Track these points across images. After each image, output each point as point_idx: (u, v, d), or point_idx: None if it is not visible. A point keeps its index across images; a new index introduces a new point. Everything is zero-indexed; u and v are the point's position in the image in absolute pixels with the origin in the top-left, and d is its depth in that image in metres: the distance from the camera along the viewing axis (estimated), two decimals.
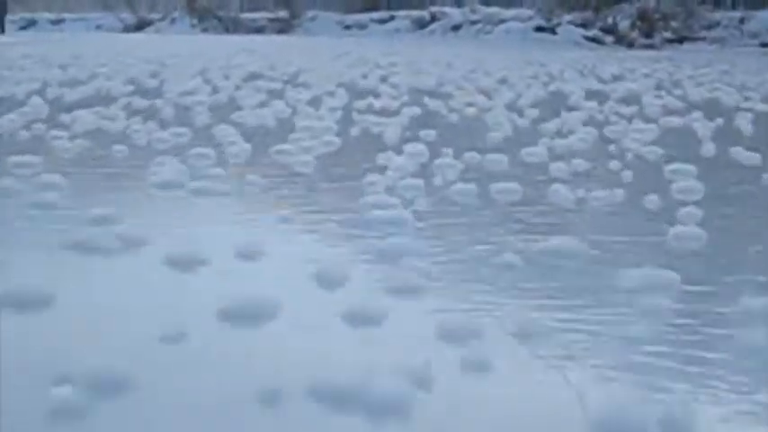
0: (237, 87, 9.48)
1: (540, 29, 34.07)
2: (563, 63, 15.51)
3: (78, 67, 12.08)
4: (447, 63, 14.74)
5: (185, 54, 15.46)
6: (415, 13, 40.13)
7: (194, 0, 41.94)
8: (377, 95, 9.07)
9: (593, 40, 31.83)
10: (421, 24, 39.40)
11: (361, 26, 41.94)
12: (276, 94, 9.00)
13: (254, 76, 11.09)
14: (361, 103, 8.36)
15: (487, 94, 9.45)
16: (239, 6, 45.19)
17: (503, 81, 11.55)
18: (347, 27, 42.00)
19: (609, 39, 31.83)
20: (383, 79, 11.42)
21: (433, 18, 39.02)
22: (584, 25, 33.19)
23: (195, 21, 42.26)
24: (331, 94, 8.97)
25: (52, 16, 48.77)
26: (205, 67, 11.61)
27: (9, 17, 50.07)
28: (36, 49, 17.45)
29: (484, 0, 38.54)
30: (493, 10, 36.95)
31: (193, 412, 2.00)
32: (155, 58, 13.48)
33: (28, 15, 49.26)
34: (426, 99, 8.61)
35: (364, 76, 11.49)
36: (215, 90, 9.36)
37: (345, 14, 42.26)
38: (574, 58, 18.26)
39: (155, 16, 45.77)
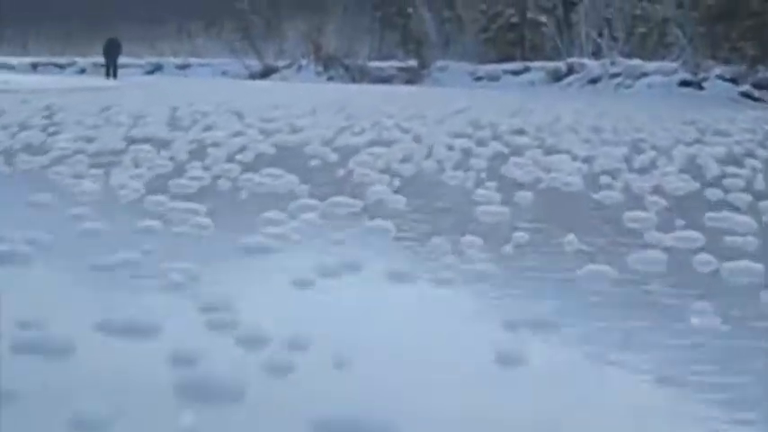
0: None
1: (685, 83, 33.02)
2: (729, 123, 14.04)
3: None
4: (593, 128, 11.46)
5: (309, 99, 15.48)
6: (551, 64, 39.60)
7: (320, 48, 42.76)
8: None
9: (747, 95, 30.45)
10: (557, 76, 38.82)
11: (494, 77, 41.63)
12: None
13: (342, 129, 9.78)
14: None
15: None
16: (367, 55, 45.81)
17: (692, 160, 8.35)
18: (478, 78, 41.81)
19: (764, 95, 30.41)
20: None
21: (570, 70, 38.42)
22: (734, 80, 31.89)
23: (321, 68, 43.05)
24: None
25: (178, 61, 50.63)
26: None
27: (135, 60, 52.45)
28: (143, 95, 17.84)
29: (624, 51, 37.80)
30: (634, 62, 36.02)
31: None
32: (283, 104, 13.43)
33: (154, 60, 51.38)
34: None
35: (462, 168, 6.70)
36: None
37: (478, 65, 42.24)
38: (737, 117, 16.24)
39: (281, 63, 46.90)
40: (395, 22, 41.52)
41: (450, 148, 7.89)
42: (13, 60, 52.46)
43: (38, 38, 64.57)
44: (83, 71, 50.21)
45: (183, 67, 49.23)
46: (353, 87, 30.77)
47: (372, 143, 8.20)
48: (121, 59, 53.72)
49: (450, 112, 12.53)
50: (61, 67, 51.07)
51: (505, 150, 8.16)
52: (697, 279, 3.58)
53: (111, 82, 29.02)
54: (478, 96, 20.83)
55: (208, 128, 9.27)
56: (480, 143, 8.49)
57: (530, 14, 42.62)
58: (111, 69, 33.97)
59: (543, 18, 42.12)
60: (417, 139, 8.73)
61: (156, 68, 49.80)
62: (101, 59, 53.38)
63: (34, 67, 50.55)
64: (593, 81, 36.81)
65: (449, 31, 46.71)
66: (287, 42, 49.63)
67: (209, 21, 56.82)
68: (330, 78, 42.41)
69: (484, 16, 43.84)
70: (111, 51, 34.13)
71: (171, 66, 49.79)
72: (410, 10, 40.56)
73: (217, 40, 55.31)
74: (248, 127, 9.70)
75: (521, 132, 10.04)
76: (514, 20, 42.75)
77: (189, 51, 55.93)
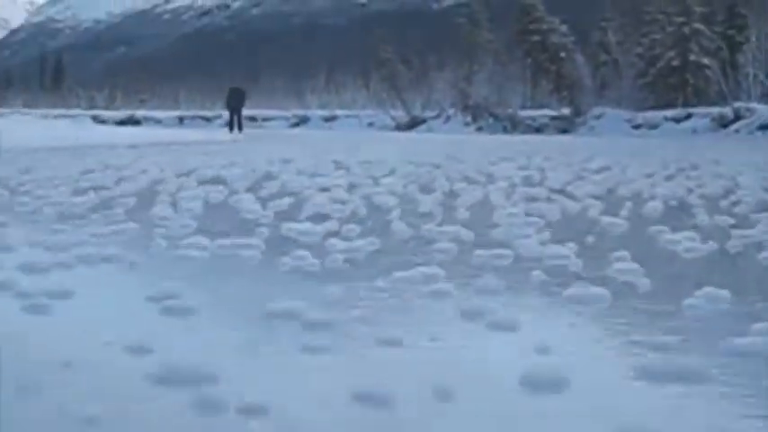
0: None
1: None
2: None
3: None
4: None
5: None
6: (716, 110, 38.24)
7: (468, 97, 42.71)
8: None
9: None
10: (722, 122, 37.31)
11: (653, 125, 40.40)
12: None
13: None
14: None
15: None
16: (519, 104, 45.39)
17: None
18: (637, 126, 40.66)
19: None
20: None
21: (737, 115, 36.94)
22: None
23: (469, 119, 42.95)
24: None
25: (325, 113, 51.63)
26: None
27: (282, 113, 53.87)
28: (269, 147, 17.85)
29: None
30: None
31: None
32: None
33: (301, 112, 52.59)
34: None
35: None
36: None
37: (636, 112, 41.15)
38: None
39: (428, 114, 47.07)
40: (547, 68, 41.03)
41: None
42: (161, 114, 54.74)
43: (189, 92, 67.51)
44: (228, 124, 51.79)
45: (329, 119, 50.08)
46: (503, 138, 30.44)
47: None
48: (268, 112, 55.66)
49: (589, 169, 11.07)
50: (208, 119, 52.80)
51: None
52: None
53: (232, 135, 27.03)
54: (634, 147, 19.76)
55: (282, 187, 8.22)
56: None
57: (692, 57, 41.33)
58: (234, 122, 30.87)
59: (706, 60, 40.77)
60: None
61: (302, 121, 50.85)
62: (248, 112, 55.40)
63: (181, 120, 52.47)
64: (763, 127, 35.26)
65: (604, 76, 45.83)
66: (435, 92, 49.96)
67: (357, 72, 57.98)
68: (479, 129, 42.21)
69: (642, 60, 42.81)
70: (234, 102, 31.09)
71: (317, 118, 50.78)
72: (563, 55, 40.00)
73: (364, 92, 56.31)
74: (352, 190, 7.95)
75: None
76: (675, 63, 41.52)
77: (336, 103, 57.13)
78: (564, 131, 40.43)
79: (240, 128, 29.73)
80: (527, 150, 15.48)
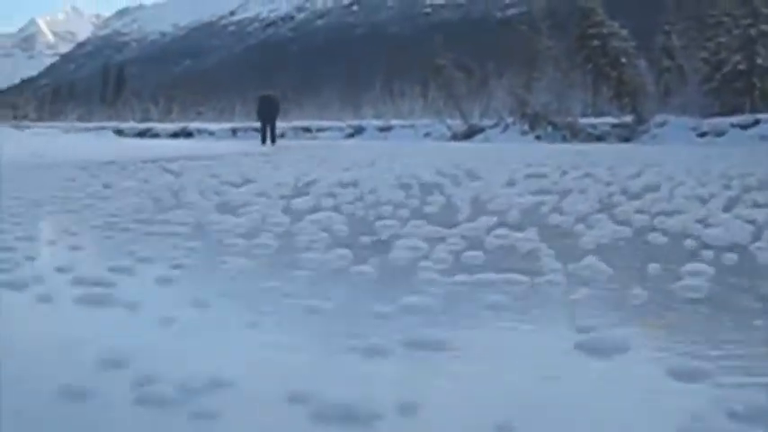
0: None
1: None
2: None
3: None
4: None
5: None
6: None
7: (526, 104, 41.65)
8: None
9: None
10: None
11: (719, 132, 39.04)
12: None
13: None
14: None
15: None
16: (580, 111, 44.23)
17: None
18: (702, 134, 39.33)
19: None
20: None
21: None
22: None
23: (527, 127, 41.90)
24: None
25: (380, 123, 51.00)
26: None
27: (337, 124, 53.39)
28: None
29: None
30: None
31: None
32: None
33: (356, 123, 52.04)
34: None
35: None
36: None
37: (701, 119, 39.79)
38: None
39: (487, 123, 46.13)
40: (607, 74, 39.81)
41: None
42: (214, 126, 54.72)
43: (246, 104, 67.51)
44: (282, 135, 51.47)
45: (384, 129, 49.43)
46: (558, 148, 29.40)
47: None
48: (322, 122, 55.28)
49: (628, 191, 8.63)
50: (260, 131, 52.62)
51: None
52: None
53: (264, 148, 24.42)
54: (696, 158, 18.47)
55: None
56: None
57: (759, 60, 39.85)
58: (267, 132, 28.00)
59: None
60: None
61: (357, 131, 50.29)
62: (301, 122, 55.23)
63: (234, 132, 52.31)
64: None
65: (668, 82, 44.49)
66: (493, 101, 49.00)
67: (415, 81, 57.29)
68: (537, 137, 41.18)
69: (707, 64, 41.37)
70: (266, 111, 27.87)
71: (372, 128, 50.17)
72: (624, 60, 38.77)
73: (421, 101, 55.60)
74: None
75: None
76: (742, 67, 40.01)
77: (392, 113, 56.50)
78: (626, 140, 39.19)
79: (273, 139, 27.30)
80: (572, 162, 14.53)
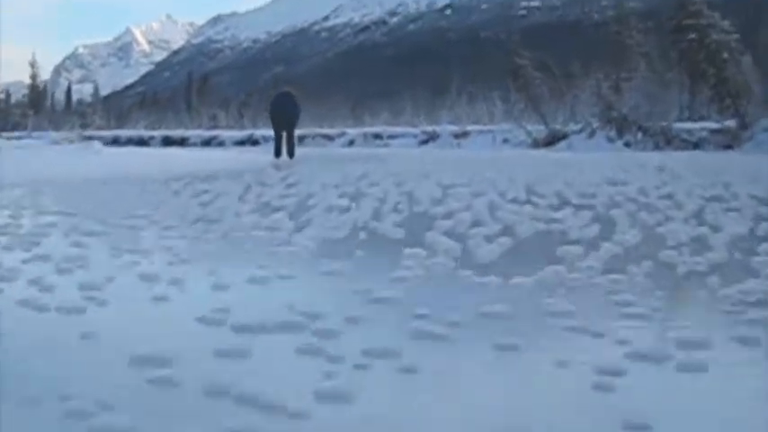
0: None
1: None
2: None
3: None
4: None
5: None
6: None
7: (613, 108, 37.32)
8: None
9: None
10: None
11: None
12: None
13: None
14: None
15: None
16: (675, 115, 39.88)
17: None
18: None
19: None
20: None
21: None
22: None
23: (613, 133, 37.65)
24: None
25: (456, 129, 47.33)
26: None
27: (410, 130, 49.89)
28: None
29: None
30: None
31: None
32: None
33: (429, 129, 48.45)
34: None
35: None
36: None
37: None
38: None
39: (572, 128, 42.07)
40: (706, 72, 35.28)
41: None
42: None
43: (332, 109, 64.84)
44: (351, 142, 48.38)
45: (460, 135, 45.75)
46: (643, 157, 25.23)
47: None
48: (395, 129, 51.83)
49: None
50: (330, 138, 49.68)
51: None
52: None
53: (278, 160, 19.12)
54: None
55: None
56: None
57: None
58: (282, 141, 20.93)
59: None
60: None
61: (432, 138, 46.74)
62: (371, 129, 51.95)
63: (301, 139, 49.39)
64: None
65: None
66: (578, 104, 44.86)
67: (494, 84, 53.46)
68: (626, 144, 36.97)
69: None
70: (281, 114, 20.66)
71: (447, 134, 46.53)
72: (725, 55, 34.21)
73: (500, 105, 51.77)
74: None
75: None
76: None
77: (470, 118, 52.88)
78: (727, 147, 34.73)
79: (291, 152, 20.37)
80: (657, 180, 10.72)
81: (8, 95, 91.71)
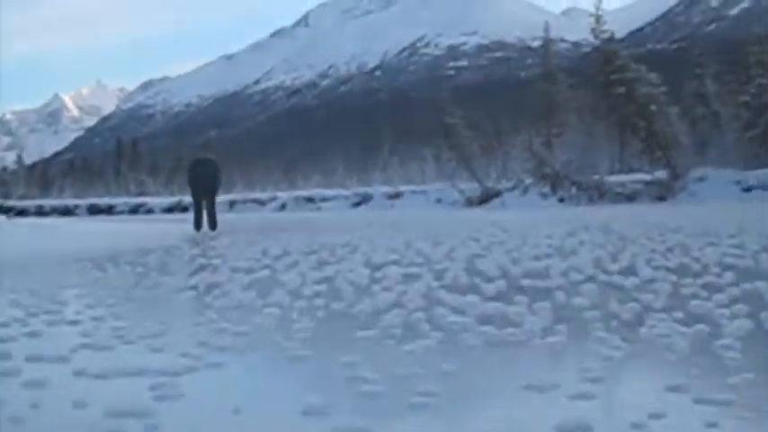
0: None
1: None
2: None
3: None
4: None
5: None
6: None
7: (545, 163, 36.69)
8: None
9: None
10: None
11: (767, 186, 34.39)
12: None
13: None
14: None
15: None
16: (607, 169, 39.44)
17: None
18: (747, 189, 34.58)
19: None
20: None
21: None
22: None
23: (547, 189, 37.01)
24: None
25: (389, 190, 46.39)
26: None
27: (341, 192, 48.77)
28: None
29: None
30: None
31: None
32: None
33: (362, 191, 47.44)
34: None
35: None
36: None
37: (746, 170, 34.94)
38: None
39: (505, 185, 41.40)
40: (636, 124, 34.88)
41: None
42: None
43: (240, 175, 63.64)
44: (283, 206, 47.10)
45: (393, 196, 44.81)
46: (573, 213, 24.43)
47: None
48: (327, 191, 50.66)
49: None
50: (261, 203, 48.33)
51: None
52: None
53: (199, 233, 17.03)
54: (737, 222, 13.93)
55: None
56: None
57: None
58: (203, 211, 18.39)
59: None
60: None
61: (365, 199, 45.73)
62: (303, 192, 50.71)
63: (231, 204, 48.10)
64: None
65: (704, 131, 39.78)
66: (510, 160, 44.30)
67: (419, 141, 52.82)
68: (560, 200, 36.36)
69: (748, 110, 36.56)
70: (200, 182, 18.46)
71: (380, 196, 45.58)
72: (653, 108, 33.85)
73: (433, 164, 51.07)
74: None
75: None
76: None
77: (405, 178, 52.11)
78: (660, 198, 34.31)
79: (213, 223, 18.06)
80: (601, 242, 9.67)
81: None
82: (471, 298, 4.82)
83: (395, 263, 7.64)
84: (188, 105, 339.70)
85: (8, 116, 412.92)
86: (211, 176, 18.54)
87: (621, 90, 33.44)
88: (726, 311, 4.22)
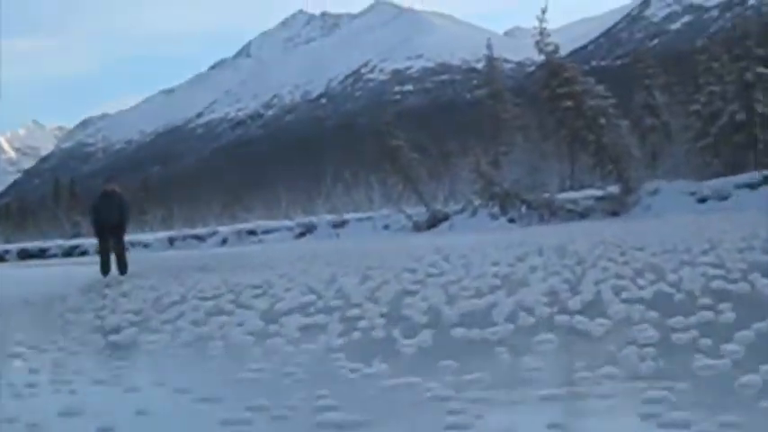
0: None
1: None
2: None
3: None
4: None
5: None
6: None
7: (494, 183, 35.41)
8: None
9: None
10: None
11: (723, 196, 33.56)
12: None
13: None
14: None
15: None
16: (558, 186, 38.39)
17: None
18: (702, 200, 33.77)
19: None
20: None
21: None
22: None
23: (496, 209, 35.79)
24: None
25: (333, 218, 44.92)
26: None
27: (285, 223, 47.15)
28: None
29: None
30: None
31: None
32: None
33: (305, 220, 45.85)
34: None
35: None
36: None
37: (699, 181, 34.10)
38: None
39: (453, 208, 40.18)
40: (585, 138, 33.84)
41: None
42: (149, 237, 48.76)
43: (181, 211, 61.89)
44: (224, 241, 45.38)
45: (338, 225, 43.37)
46: (544, 234, 23.05)
47: None
48: (269, 223, 48.96)
49: None
50: (201, 239, 46.57)
51: None
52: None
53: (106, 279, 14.57)
54: (689, 234, 12.83)
55: None
56: None
57: (760, 108, 34.30)
58: (110, 252, 16.04)
59: None
60: None
61: (309, 230, 44.21)
62: (245, 225, 48.99)
63: (171, 241, 46.36)
64: None
65: (654, 143, 38.98)
66: (458, 182, 43.10)
67: (366, 167, 51.46)
68: (510, 221, 35.18)
69: (699, 119, 35.75)
70: (106, 219, 16.10)
71: (325, 225, 44.08)
72: (602, 121, 32.82)
73: (378, 189, 49.70)
74: None
75: None
76: (740, 117, 34.40)
77: (350, 206, 50.67)
78: (614, 214, 33.29)
79: (123, 266, 15.68)
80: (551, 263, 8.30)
81: None
82: (376, 367, 3.41)
83: (302, 308, 6.22)
84: (129, 142, 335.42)
85: None
86: (117, 211, 16.03)
87: (569, 104, 32.39)
88: (756, 378, 2.83)
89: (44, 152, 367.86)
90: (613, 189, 34.69)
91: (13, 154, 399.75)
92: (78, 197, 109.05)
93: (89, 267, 18.85)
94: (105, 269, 15.81)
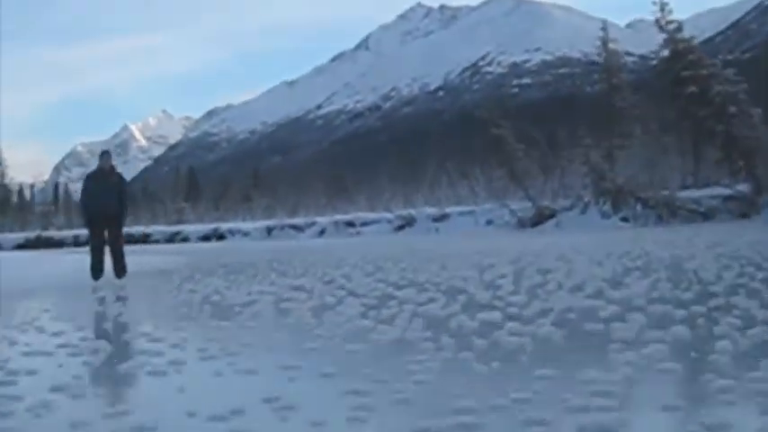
0: None
1: None
2: None
3: None
4: None
5: None
6: None
7: (602, 178, 31.68)
8: None
9: None
10: None
11: None
12: None
13: None
14: None
15: None
16: (679, 183, 34.26)
17: None
18: None
19: None
20: None
21: None
22: None
23: (608, 207, 32.08)
24: None
25: (434, 211, 41.83)
26: None
27: (384, 215, 44.14)
28: None
29: None
30: None
31: None
32: None
33: (404, 213, 42.92)
34: None
35: None
36: None
37: None
38: None
39: (561, 204, 36.58)
40: (712, 130, 29.79)
41: None
42: (248, 226, 46.85)
43: (286, 200, 60.18)
44: (322, 232, 42.90)
45: (438, 218, 40.28)
46: (650, 235, 19.42)
47: None
48: (368, 215, 46.08)
49: None
50: (299, 229, 44.26)
51: None
52: None
53: (97, 284, 11.42)
54: None
55: None
56: None
57: None
58: (103, 249, 12.18)
59: None
60: None
61: (408, 223, 41.28)
62: (343, 216, 46.30)
63: (269, 231, 44.17)
64: None
65: None
66: (567, 176, 39.44)
67: (473, 160, 48.15)
68: (624, 219, 31.45)
69: None
70: (99, 203, 12.12)
71: (425, 218, 41.08)
72: (732, 109, 28.73)
73: (484, 182, 46.37)
74: None
75: None
76: None
77: (449, 198, 47.57)
78: (743, 215, 29.22)
79: (120, 265, 12.09)
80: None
81: None
82: None
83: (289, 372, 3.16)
84: (252, 132, 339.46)
85: (79, 148, 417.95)
86: (115, 196, 12.10)
87: (694, 89, 28.39)
88: None
89: (172, 141, 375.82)
90: (743, 188, 30.57)
91: (144, 142, 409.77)
92: (197, 185, 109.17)
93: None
94: (97, 271, 12.06)
